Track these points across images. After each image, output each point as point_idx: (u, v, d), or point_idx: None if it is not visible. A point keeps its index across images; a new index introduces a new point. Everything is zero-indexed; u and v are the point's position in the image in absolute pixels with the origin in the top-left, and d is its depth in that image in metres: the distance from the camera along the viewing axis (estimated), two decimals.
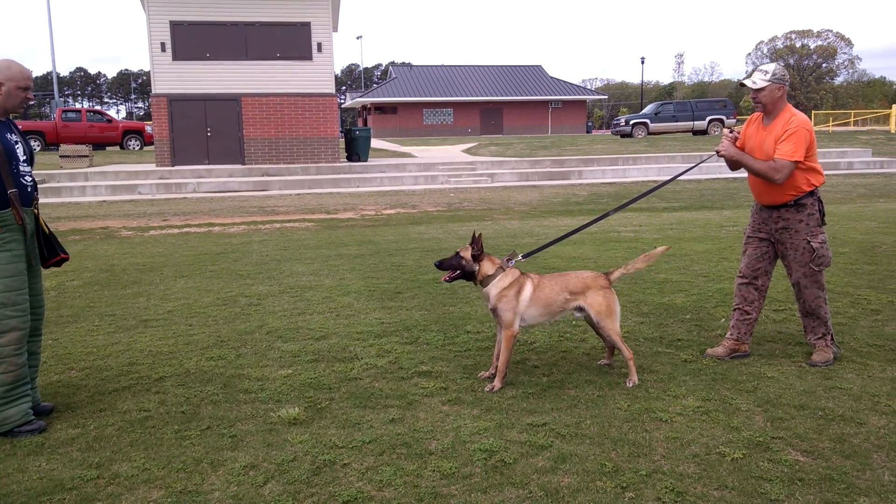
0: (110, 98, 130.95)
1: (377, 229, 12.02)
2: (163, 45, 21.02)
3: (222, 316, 6.09)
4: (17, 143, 3.81)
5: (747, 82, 4.51)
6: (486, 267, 4.31)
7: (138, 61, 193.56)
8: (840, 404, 3.86)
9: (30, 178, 3.83)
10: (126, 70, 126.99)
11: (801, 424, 3.62)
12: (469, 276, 4.33)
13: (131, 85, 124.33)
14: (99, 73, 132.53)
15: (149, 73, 23.22)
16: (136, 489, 3.12)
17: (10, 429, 3.68)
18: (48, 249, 3.94)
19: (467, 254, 4.31)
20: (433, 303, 6.36)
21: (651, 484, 3.05)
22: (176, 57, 21.12)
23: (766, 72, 4.44)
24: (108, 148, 32.48)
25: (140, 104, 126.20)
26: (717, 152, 4.64)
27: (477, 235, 4.33)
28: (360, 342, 5.22)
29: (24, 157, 3.82)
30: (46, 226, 3.95)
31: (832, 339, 4.62)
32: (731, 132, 4.72)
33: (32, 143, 24.27)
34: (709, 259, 8.26)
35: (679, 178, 6.20)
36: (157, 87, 21.23)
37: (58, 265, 4.02)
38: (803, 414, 3.75)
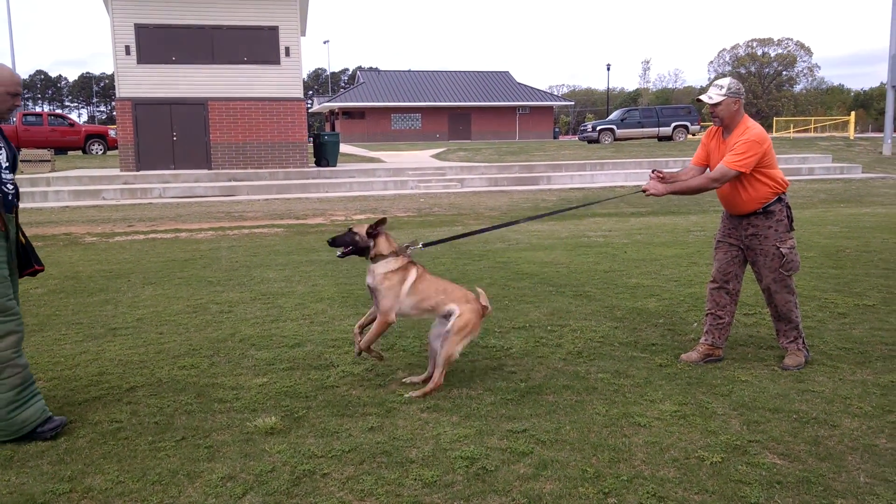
0: (72, 102, 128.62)
1: None
2: (127, 48, 20.71)
3: (193, 324, 5.99)
4: (0, 149, 3.73)
5: (703, 97, 4.56)
6: (382, 245, 4.30)
7: (102, 65, 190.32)
8: (813, 407, 3.92)
9: (11, 186, 3.76)
10: (88, 73, 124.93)
11: (776, 427, 3.67)
12: (362, 251, 4.32)
13: (93, 88, 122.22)
14: (60, 76, 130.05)
15: (112, 76, 22.82)
16: (111, 503, 3.04)
17: (31, 429, 3.65)
18: (24, 259, 3.85)
19: (361, 230, 4.30)
20: None
21: (633, 489, 3.06)
22: (141, 60, 20.82)
23: (722, 86, 4.49)
24: (70, 152, 31.84)
25: (102, 108, 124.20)
26: (645, 192, 4.68)
27: (380, 218, 4.35)
28: (336, 349, 5.17)
29: (7, 164, 3.75)
30: (24, 235, 3.86)
31: (803, 343, 4.69)
32: (652, 172, 4.76)
33: None
34: (678, 264, 8.36)
35: (594, 204, 6.24)
36: (122, 90, 20.89)
37: (32, 275, 3.94)
38: (778, 417, 3.80)
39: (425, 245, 4.56)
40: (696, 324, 5.63)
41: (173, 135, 21.35)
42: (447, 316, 4.28)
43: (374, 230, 4.31)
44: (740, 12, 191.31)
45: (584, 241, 10.57)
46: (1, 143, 3.78)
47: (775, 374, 4.46)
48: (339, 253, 4.38)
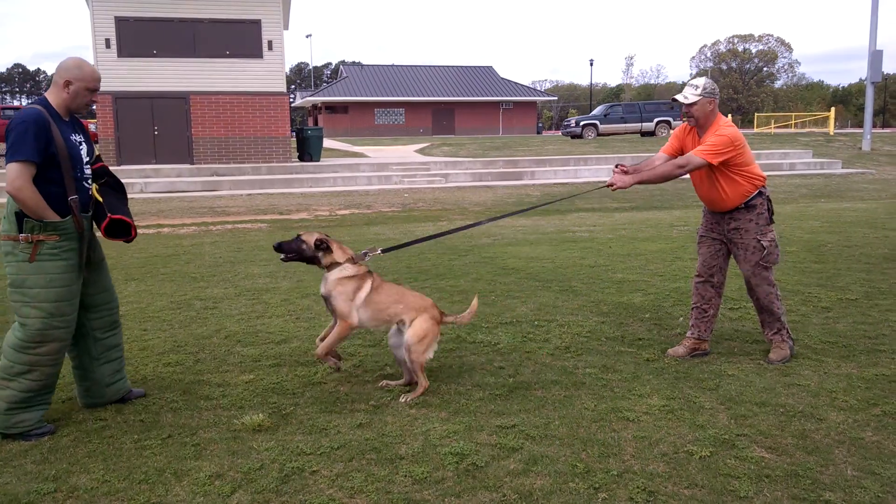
0: None
1: (332, 230, 11.89)
2: (107, 42, 20.46)
3: (177, 320, 5.94)
4: (80, 143, 3.70)
5: (679, 97, 4.56)
6: (337, 254, 4.22)
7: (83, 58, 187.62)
8: (799, 401, 3.95)
9: (90, 181, 3.74)
10: None
11: (763, 421, 3.69)
12: (309, 260, 4.23)
13: None
14: (38, 69, 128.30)
15: None
16: (97, 502, 3.00)
17: (20, 431, 3.62)
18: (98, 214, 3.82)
19: (310, 239, 4.21)
20: None
21: (623, 484, 3.07)
22: (121, 53, 20.58)
23: (697, 86, 4.50)
24: None
25: None
26: (611, 187, 4.66)
27: (326, 237, 4.25)
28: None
29: (88, 158, 3.72)
30: (100, 195, 3.81)
31: (788, 334, 4.72)
32: (616, 167, 4.75)
33: None
34: (663, 258, 8.40)
35: (556, 202, 6.20)
36: (102, 84, 20.64)
37: (118, 233, 3.85)
38: (765, 411, 3.83)
39: (385, 251, 4.46)
40: (681, 318, 5.65)
41: (155, 129, 21.14)
42: (402, 324, 4.22)
43: (322, 243, 4.20)
44: (722, 8, 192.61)
45: (569, 235, 10.59)
46: (81, 137, 3.74)
47: (761, 368, 4.49)
48: (282, 257, 4.28)
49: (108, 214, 3.77)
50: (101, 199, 3.79)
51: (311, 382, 4.39)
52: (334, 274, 4.19)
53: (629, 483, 3.07)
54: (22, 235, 3.51)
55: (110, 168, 4.04)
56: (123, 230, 3.87)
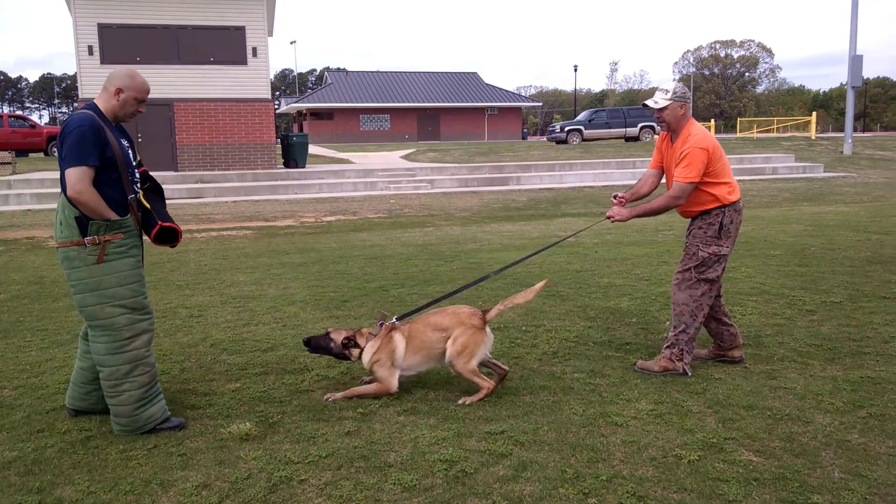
0: (32, 103, 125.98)
1: (318, 237, 11.86)
2: (90, 49, 20.32)
3: (163, 328, 5.88)
4: (129, 147, 3.79)
5: (649, 102, 4.52)
6: (360, 342, 4.31)
7: (64, 65, 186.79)
8: (786, 404, 3.97)
9: (139, 184, 3.84)
10: (49, 74, 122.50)
11: (751, 425, 3.71)
12: (337, 356, 4.35)
13: (54, 89, 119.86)
14: (20, 77, 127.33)
15: (74, 76, 22.37)
16: None
17: (153, 426, 3.75)
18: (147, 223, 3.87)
19: (338, 337, 4.31)
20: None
21: (612, 489, 3.07)
22: (104, 60, 20.42)
23: (667, 91, 4.46)
24: (31, 154, 31.14)
25: (64, 109, 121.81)
26: (611, 219, 4.64)
27: (353, 335, 4.31)
28: (310, 353, 5.11)
29: (135, 162, 3.83)
30: (147, 201, 3.86)
31: (681, 357, 4.48)
32: (615, 198, 4.74)
33: None
34: (649, 263, 8.43)
35: (571, 237, 6.13)
36: (85, 91, 20.49)
37: (165, 239, 3.87)
38: (752, 414, 3.84)
39: (399, 319, 4.42)
40: (667, 322, 5.67)
41: (138, 136, 21.00)
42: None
43: (350, 341, 4.29)
44: (704, 14, 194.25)
45: (554, 240, 10.60)
46: (128, 142, 3.82)
47: (748, 372, 4.51)
48: (308, 348, 4.39)
49: (159, 222, 3.84)
50: (148, 206, 3.86)
51: (298, 391, 4.36)
52: (365, 356, 4.26)
53: (618, 488, 3.07)
54: (88, 238, 3.58)
55: None
56: (171, 237, 3.93)
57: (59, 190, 18.21)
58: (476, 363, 4.17)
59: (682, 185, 4.39)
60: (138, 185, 3.85)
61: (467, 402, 4.07)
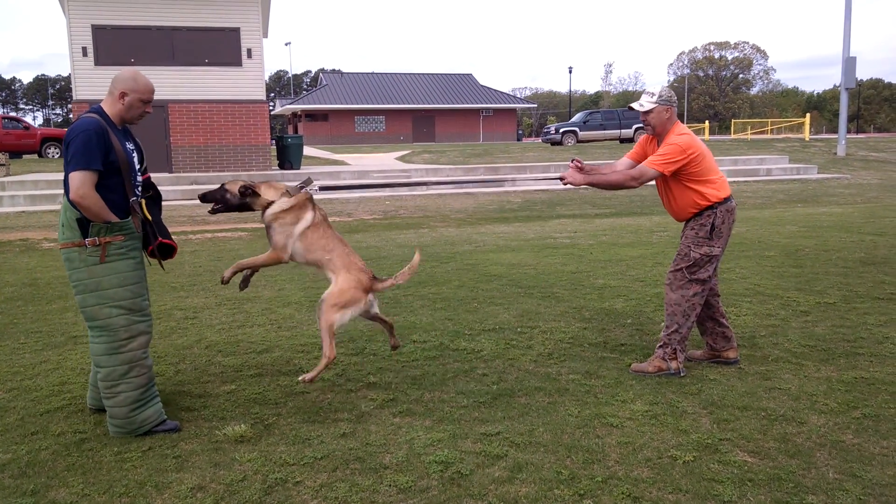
0: (26, 104, 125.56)
1: None
2: (84, 50, 20.26)
3: (157, 330, 5.87)
4: (133, 151, 3.80)
5: (635, 105, 4.50)
6: (268, 193, 4.15)
7: (58, 66, 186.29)
8: (781, 404, 3.98)
9: (140, 188, 3.86)
10: (43, 75, 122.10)
11: (745, 425, 3.72)
12: (235, 208, 4.18)
13: (48, 91, 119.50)
14: (14, 78, 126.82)
15: (68, 78, 22.33)
16: None
17: (148, 429, 3.75)
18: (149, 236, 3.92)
19: (234, 187, 4.16)
20: None
21: (608, 490, 3.07)
22: (98, 62, 20.36)
23: (653, 94, 4.44)
24: (25, 156, 31.03)
25: (58, 110, 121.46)
26: (562, 180, 4.61)
27: (251, 182, 4.20)
28: (305, 354, 5.11)
29: (139, 166, 3.84)
30: (149, 213, 3.89)
31: (673, 356, 4.48)
32: (571, 161, 4.71)
33: None
34: (643, 264, 8.44)
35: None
36: (79, 93, 20.42)
37: (163, 254, 3.97)
38: (747, 415, 3.85)
39: (322, 188, 4.36)
40: (662, 323, 5.67)
41: None
42: (326, 280, 4.16)
43: (247, 189, 4.14)
44: (699, 16, 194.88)
45: (550, 242, 10.62)
46: (133, 146, 3.84)
47: (742, 373, 4.52)
48: (209, 209, 4.24)
49: (159, 238, 3.91)
50: (150, 219, 3.88)
51: (293, 392, 4.35)
52: (272, 208, 4.13)
53: (614, 489, 3.08)
54: (89, 240, 3.61)
55: None
56: (167, 252, 4.00)
57: (53, 192, 18.13)
58: (344, 319, 4.06)
59: (646, 170, 4.39)
60: (139, 189, 3.86)
61: (307, 379, 4.03)
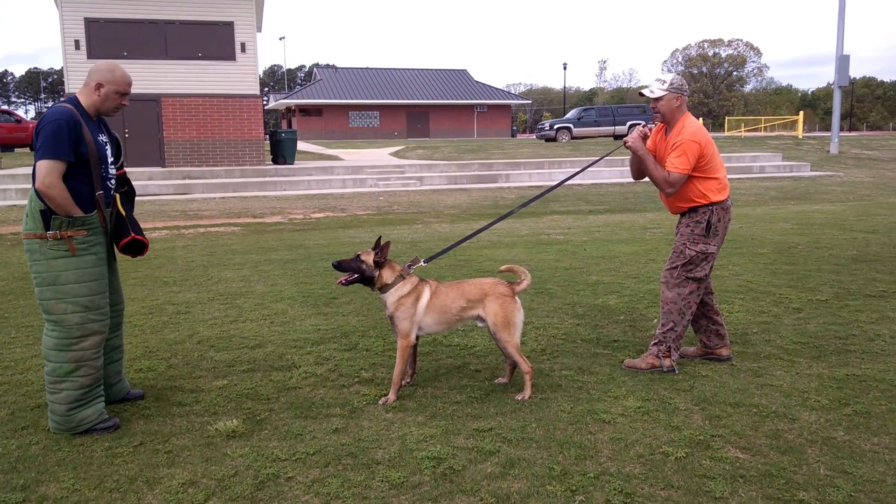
0: (18, 97, 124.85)
1: (307, 233, 11.82)
2: (77, 43, 20.17)
3: (149, 325, 5.85)
4: (106, 143, 3.76)
5: (645, 91, 4.46)
6: (386, 275, 4.15)
7: (50, 59, 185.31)
8: (772, 401, 3.99)
9: (114, 181, 3.81)
10: (36, 68, 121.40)
11: (737, 422, 3.72)
12: (367, 281, 4.16)
13: (41, 84, 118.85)
14: (6, 71, 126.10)
15: (61, 71, 22.23)
16: None
17: (87, 428, 3.69)
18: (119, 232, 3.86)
19: (369, 258, 4.14)
20: (370, 308, 6.27)
21: (599, 486, 3.07)
22: (91, 55, 20.27)
23: (664, 81, 4.40)
24: (16, 149, 30.86)
25: (51, 103, 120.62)
26: (625, 143, 4.52)
27: (383, 243, 4.17)
28: (298, 350, 5.10)
29: (112, 159, 3.79)
30: (123, 208, 3.84)
31: (668, 353, 4.50)
32: (643, 125, 4.64)
33: None
34: (637, 260, 8.45)
35: (586, 169, 6.03)
36: (71, 86, 20.31)
37: (133, 251, 3.92)
38: (739, 411, 3.86)
39: (427, 261, 4.37)
40: (655, 320, 5.69)
41: (125, 131, 20.86)
42: (480, 320, 4.19)
43: (381, 258, 4.14)
44: (693, 13, 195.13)
45: (544, 238, 10.63)
46: (107, 137, 3.80)
47: (734, 370, 4.53)
48: (342, 280, 4.17)
49: (132, 233, 3.84)
50: (123, 214, 3.84)
51: (285, 387, 4.34)
52: (391, 296, 4.12)
53: (606, 485, 3.08)
54: (50, 233, 3.56)
55: None
56: (138, 248, 3.95)
57: None
58: (520, 335, 4.18)
59: (677, 176, 4.34)
60: (112, 181, 3.80)
61: (524, 397, 4.07)
